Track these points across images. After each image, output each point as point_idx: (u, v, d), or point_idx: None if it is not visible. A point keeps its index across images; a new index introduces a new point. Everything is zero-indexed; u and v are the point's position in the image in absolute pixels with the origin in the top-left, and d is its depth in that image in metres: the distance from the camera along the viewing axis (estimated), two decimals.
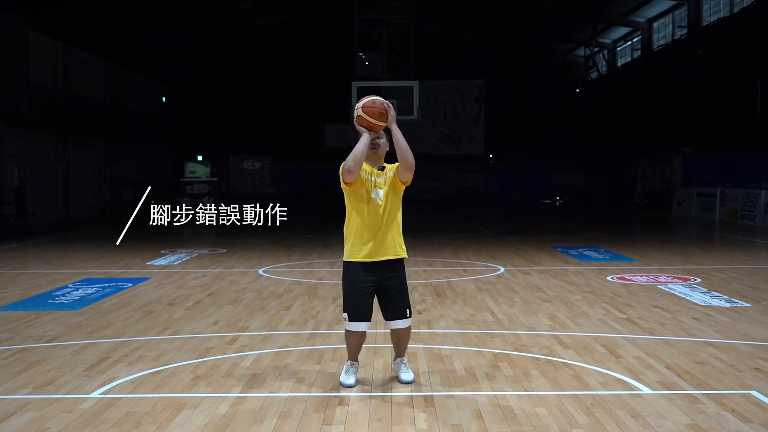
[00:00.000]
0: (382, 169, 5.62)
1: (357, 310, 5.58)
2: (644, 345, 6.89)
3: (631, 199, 33.31)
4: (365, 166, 5.58)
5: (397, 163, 5.62)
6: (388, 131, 5.63)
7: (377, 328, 7.62)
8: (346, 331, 5.69)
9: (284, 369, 6.15)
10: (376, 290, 5.63)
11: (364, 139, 5.48)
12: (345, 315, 5.64)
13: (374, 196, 5.55)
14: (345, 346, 5.89)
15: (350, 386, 5.58)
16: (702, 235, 19.77)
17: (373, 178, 5.57)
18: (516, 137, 40.16)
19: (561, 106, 40.44)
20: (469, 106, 40.83)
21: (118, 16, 28.88)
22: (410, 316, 5.71)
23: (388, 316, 5.70)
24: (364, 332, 5.68)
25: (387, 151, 5.68)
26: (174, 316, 8.49)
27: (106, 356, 6.61)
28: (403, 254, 5.67)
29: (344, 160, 5.58)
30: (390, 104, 5.55)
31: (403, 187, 5.69)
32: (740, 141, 25.04)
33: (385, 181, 5.59)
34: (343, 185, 5.58)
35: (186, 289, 10.51)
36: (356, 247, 5.56)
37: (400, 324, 5.67)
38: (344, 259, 5.65)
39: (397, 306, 5.65)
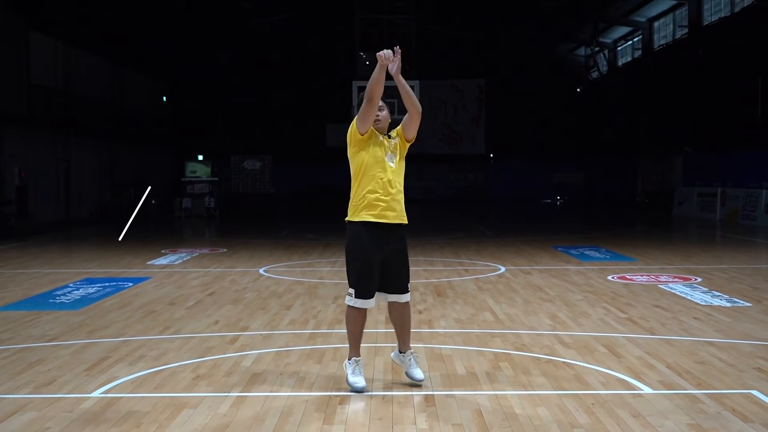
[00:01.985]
0: (390, 136, 5.63)
1: (366, 283, 5.47)
2: (645, 345, 6.88)
3: (632, 199, 33.31)
4: (377, 133, 5.55)
5: (398, 128, 5.64)
6: (388, 104, 5.65)
7: (377, 328, 7.62)
8: (352, 309, 5.52)
9: (285, 369, 6.14)
10: (381, 261, 5.54)
11: (376, 70, 5.39)
12: (351, 291, 5.49)
13: (387, 159, 5.52)
14: (346, 345, 5.80)
15: (362, 389, 5.40)
16: (703, 235, 19.77)
17: (385, 143, 5.57)
18: (516, 137, 40.17)
19: (561, 106, 40.44)
20: (469, 105, 40.84)
21: (119, 16, 28.88)
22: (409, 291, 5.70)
23: (392, 288, 5.57)
24: (366, 313, 5.61)
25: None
26: (174, 316, 8.48)
27: (106, 356, 6.61)
28: (406, 220, 5.64)
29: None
30: (390, 52, 5.45)
31: (406, 150, 5.68)
32: (741, 141, 25.03)
33: (395, 147, 5.60)
34: (355, 145, 5.51)
35: (186, 289, 10.51)
36: (366, 209, 5.46)
37: (404, 298, 5.61)
38: (351, 219, 5.52)
39: (403, 277, 5.59)
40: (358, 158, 5.54)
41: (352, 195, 5.58)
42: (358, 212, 5.51)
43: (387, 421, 4.86)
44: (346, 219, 5.60)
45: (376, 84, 5.36)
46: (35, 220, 23.30)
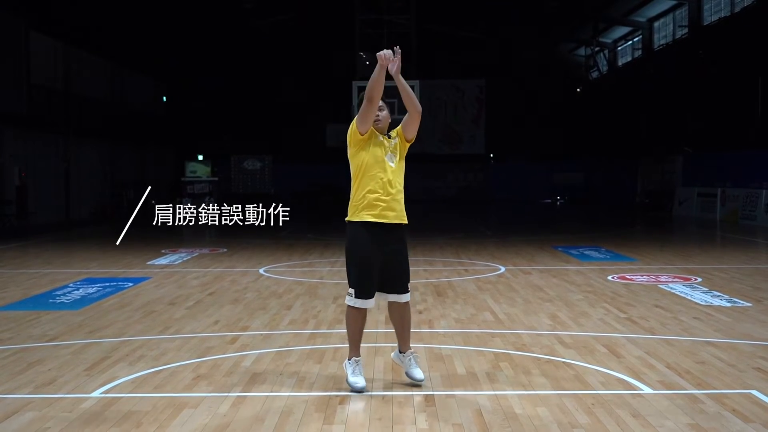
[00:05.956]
0: (390, 136, 5.64)
1: (365, 283, 5.47)
2: (645, 344, 6.88)
3: (632, 199, 33.30)
4: (377, 133, 5.55)
5: (398, 128, 5.65)
6: (388, 104, 5.65)
7: (378, 328, 7.62)
8: (351, 309, 5.52)
9: (285, 369, 6.14)
10: (380, 261, 5.52)
11: (376, 70, 5.38)
12: (351, 290, 5.49)
13: (387, 159, 5.52)
14: (346, 345, 5.80)
15: (362, 389, 5.41)
16: (703, 235, 19.77)
17: (385, 143, 5.57)
18: (516, 137, 40.16)
19: (561, 106, 40.42)
20: (470, 105, 40.84)
21: (119, 16, 28.88)
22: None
23: (392, 288, 5.55)
24: (366, 313, 5.61)
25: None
26: (175, 316, 8.48)
27: (106, 356, 6.61)
28: (406, 220, 5.64)
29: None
30: (390, 52, 5.45)
31: (406, 151, 5.68)
32: (741, 141, 25.03)
33: (395, 147, 5.60)
34: (355, 145, 5.50)
35: (186, 289, 10.51)
36: (366, 209, 5.46)
37: (404, 298, 5.60)
38: (351, 219, 5.52)
39: (403, 277, 5.59)
40: (357, 158, 5.53)
41: (352, 195, 5.59)
42: (358, 212, 5.51)
43: (387, 421, 4.86)
44: (346, 219, 5.60)
45: (376, 84, 5.36)
46: (35, 220, 23.30)
